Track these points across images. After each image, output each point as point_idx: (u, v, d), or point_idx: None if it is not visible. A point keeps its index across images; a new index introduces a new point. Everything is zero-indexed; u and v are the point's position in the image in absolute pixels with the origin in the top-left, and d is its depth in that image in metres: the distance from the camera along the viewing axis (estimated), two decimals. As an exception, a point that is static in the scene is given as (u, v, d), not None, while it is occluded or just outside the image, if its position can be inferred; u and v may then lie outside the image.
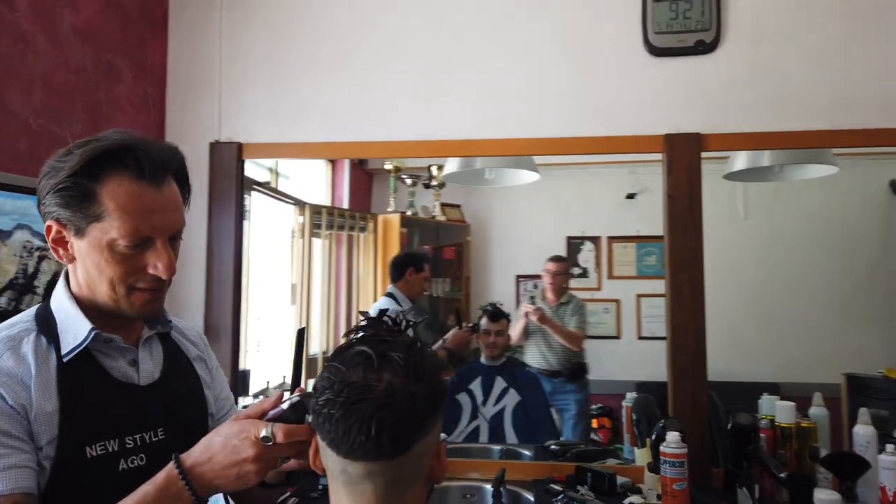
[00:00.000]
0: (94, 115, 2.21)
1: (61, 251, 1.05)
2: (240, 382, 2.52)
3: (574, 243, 4.40)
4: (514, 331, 3.62)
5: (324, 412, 0.83)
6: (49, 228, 1.04)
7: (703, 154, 2.18)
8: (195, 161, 2.46)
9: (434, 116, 2.37)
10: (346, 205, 4.11)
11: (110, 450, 1.01)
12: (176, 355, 1.19)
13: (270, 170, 3.74)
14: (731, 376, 2.92)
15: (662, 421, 2.01)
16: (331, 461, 0.86)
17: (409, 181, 4.23)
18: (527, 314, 3.66)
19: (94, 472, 0.98)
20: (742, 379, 3.12)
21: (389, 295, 3.63)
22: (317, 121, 2.44)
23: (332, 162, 4.14)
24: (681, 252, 2.15)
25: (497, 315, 3.35)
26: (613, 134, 2.26)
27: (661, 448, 1.86)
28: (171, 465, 0.94)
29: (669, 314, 2.17)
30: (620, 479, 2.07)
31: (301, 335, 2.59)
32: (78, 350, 1.03)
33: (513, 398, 3.21)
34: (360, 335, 0.90)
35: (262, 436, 0.94)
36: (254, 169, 2.98)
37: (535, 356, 3.71)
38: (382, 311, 0.94)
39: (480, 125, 2.34)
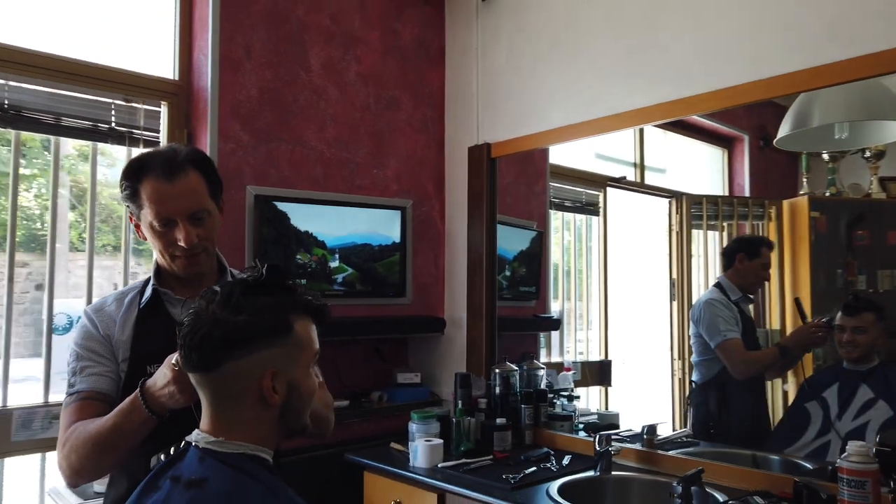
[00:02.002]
0: (378, 140, 2.80)
1: (139, 233, 1.47)
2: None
3: None
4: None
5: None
6: (130, 217, 1.48)
7: None
8: (461, 166, 2.85)
9: (682, 68, 2.19)
10: (746, 192, 3.83)
11: None
12: None
13: (635, 165, 3.82)
14: None
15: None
16: None
17: (825, 156, 3.66)
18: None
19: None
20: None
21: (717, 286, 3.34)
22: (555, 108, 2.56)
23: (728, 148, 3.91)
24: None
25: (855, 307, 2.68)
26: None
27: None
28: (138, 387, 1.26)
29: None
30: None
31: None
32: (148, 300, 1.46)
33: (881, 412, 2.53)
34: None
35: (172, 361, 1.20)
36: (608, 166, 3.11)
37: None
38: (276, 266, 1.11)
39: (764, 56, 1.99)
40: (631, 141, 3.13)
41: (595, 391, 3.03)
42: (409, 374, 2.84)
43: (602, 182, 3.03)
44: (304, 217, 2.56)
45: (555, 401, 2.68)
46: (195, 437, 1.06)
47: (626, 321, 3.15)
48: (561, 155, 2.90)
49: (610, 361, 2.98)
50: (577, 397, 2.75)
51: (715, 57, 2.09)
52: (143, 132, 2.44)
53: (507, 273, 3.02)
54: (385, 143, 2.83)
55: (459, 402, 2.46)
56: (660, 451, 2.19)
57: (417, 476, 2.10)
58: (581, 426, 2.61)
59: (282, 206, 2.52)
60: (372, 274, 2.74)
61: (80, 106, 2.33)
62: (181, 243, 1.40)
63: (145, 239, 1.47)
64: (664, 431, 2.31)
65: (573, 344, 3.22)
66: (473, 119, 2.83)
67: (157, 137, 2.47)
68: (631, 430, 2.38)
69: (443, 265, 2.98)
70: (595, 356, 3.08)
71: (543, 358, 3.04)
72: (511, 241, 3.04)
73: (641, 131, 2.90)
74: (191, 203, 1.41)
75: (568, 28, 2.52)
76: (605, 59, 2.41)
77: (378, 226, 2.75)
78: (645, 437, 2.23)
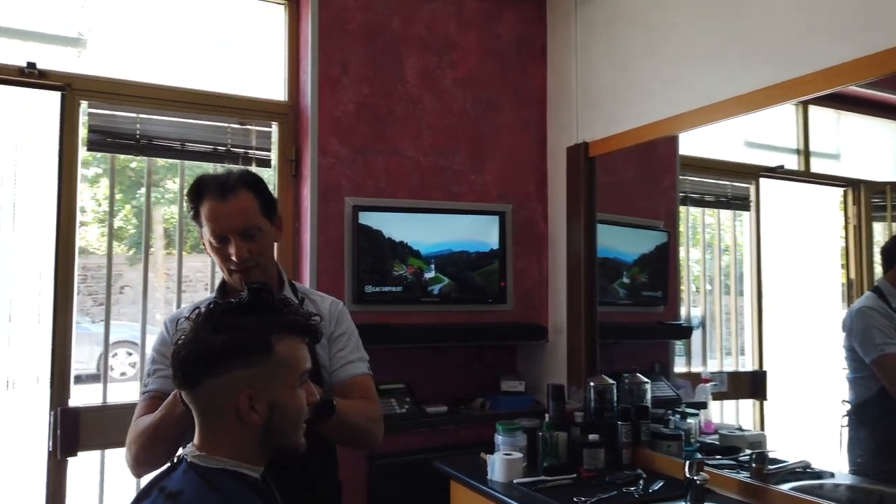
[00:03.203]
0: (475, 145, 2.78)
1: (206, 250, 1.57)
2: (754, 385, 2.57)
3: None
4: None
5: None
6: (200, 235, 1.59)
7: None
8: (563, 167, 2.73)
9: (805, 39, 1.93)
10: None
11: None
12: None
13: (797, 151, 3.39)
14: None
15: None
16: None
17: None
18: None
19: None
20: None
21: (875, 290, 2.87)
22: (653, 101, 2.36)
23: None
24: None
25: None
26: None
27: None
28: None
29: None
30: None
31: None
32: None
33: None
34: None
35: None
36: (762, 154, 2.84)
37: None
38: (259, 287, 1.14)
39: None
40: (791, 125, 2.77)
41: (746, 405, 2.74)
42: (514, 382, 2.78)
43: (753, 173, 2.71)
44: (400, 227, 2.62)
45: (668, 417, 2.47)
46: (186, 450, 1.13)
47: (784, 328, 2.80)
48: (698, 146, 2.65)
49: (765, 372, 2.67)
50: (696, 414, 2.50)
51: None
52: (256, 152, 2.65)
53: (625, 278, 2.84)
54: (483, 148, 2.79)
55: (549, 414, 2.36)
56: (770, 487, 1.92)
57: (492, 490, 2.05)
58: (696, 446, 2.38)
59: (378, 216, 2.60)
60: (469, 283, 2.72)
61: (201, 131, 2.59)
62: (233, 258, 1.51)
63: (210, 255, 1.60)
64: (820, 459, 2.02)
65: (719, 352, 2.94)
66: (573, 117, 2.70)
67: (269, 156, 2.67)
68: (745, 455, 2.12)
69: (546, 270, 2.88)
70: (746, 366, 2.79)
71: (681, 368, 2.81)
72: (631, 243, 2.85)
73: (805, 113, 2.54)
74: (242, 220, 1.51)
75: (664, 12, 2.30)
76: (706, 41, 2.16)
77: (475, 233, 2.73)
78: (753, 465, 1.97)
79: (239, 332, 1.09)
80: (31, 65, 2.29)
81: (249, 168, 2.52)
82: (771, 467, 1.97)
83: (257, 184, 1.58)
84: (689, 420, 2.44)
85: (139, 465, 1.48)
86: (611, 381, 2.39)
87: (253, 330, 1.10)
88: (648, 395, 2.44)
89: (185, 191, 1.60)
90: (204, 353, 1.08)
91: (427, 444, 2.56)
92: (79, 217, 2.39)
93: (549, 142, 2.89)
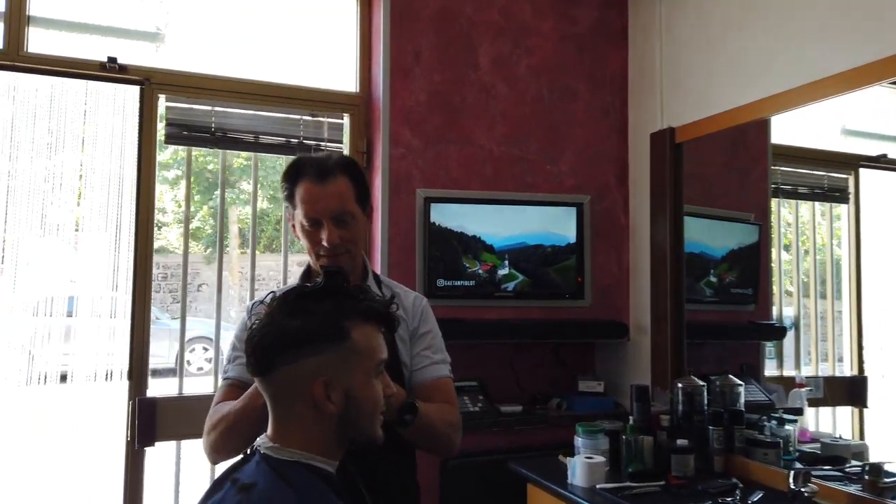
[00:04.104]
0: (551, 133, 2.66)
1: (294, 233, 1.53)
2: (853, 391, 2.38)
3: None
4: None
5: None
6: (288, 217, 1.55)
7: None
8: (645, 155, 2.58)
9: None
10: None
11: None
12: None
13: None
14: None
15: None
16: None
17: None
18: None
19: None
20: None
21: None
22: (749, 80, 2.18)
23: None
24: None
25: None
26: None
27: None
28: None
29: None
30: None
31: None
32: None
33: None
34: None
35: None
36: (862, 143, 2.63)
37: None
38: (335, 271, 1.08)
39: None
40: (894, 111, 2.54)
41: (843, 413, 2.52)
42: (592, 383, 2.65)
43: (852, 162, 2.49)
44: (472, 219, 2.53)
45: (763, 423, 2.28)
46: (259, 441, 1.07)
47: (886, 330, 2.56)
48: (790, 133, 2.45)
49: (865, 378, 2.44)
50: (794, 420, 2.30)
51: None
52: (328, 143, 2.62)
53: (712, 275, 2.66)
54: (559, 136, 2.67)
55: (634, 416, 2.21)
56: (888, 502, 1.72)
57: (572, 495, 1.93)
58: (795, 455, 2.18)
59: (449, 207, 2.52)
60: (544, 279, 2.61)
61: (274, 124, 2.58)
62: (324, 242, 1.46)
63: (299, 238, 1.55)
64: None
65: (814, 354, 2.72)
66: (657, 102, 2.54)
67: (341, 148, 2.64)
68: (854, 466, 1.93)
69: (627, 265, 2.72)
70: (844, 370, 2.57)
71: (771, 371, 2.61)
72: (718, 237, 2.67)
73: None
74: (337, 204, 1.46)
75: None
76: (806, 14, 1.98)
77: (551, 225, 2.61)
78: (866, 477, 1.77)
79: (313, 317, 1.03)
80: (113, 59, 2.33)
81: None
82: (887, 480, 1.78)
83: (355, 170, 1.53)
84: (786, 427, 2.25)
85: (216, 453, 1.44)
86: (701, 382, 2.22)
87: (328, 315, 1.04)
88: (742, 399, 2.26)
89: (283, 171, 1.56)
90: (277, 338, 1.02)
91: (501, 444, 2.46)
92: (157, 213, 2.43)
93: (630, 129, 2.74)
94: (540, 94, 2.66)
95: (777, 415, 2.30)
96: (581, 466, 1.99)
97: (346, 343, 1.04)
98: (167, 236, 9.33)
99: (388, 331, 1.13)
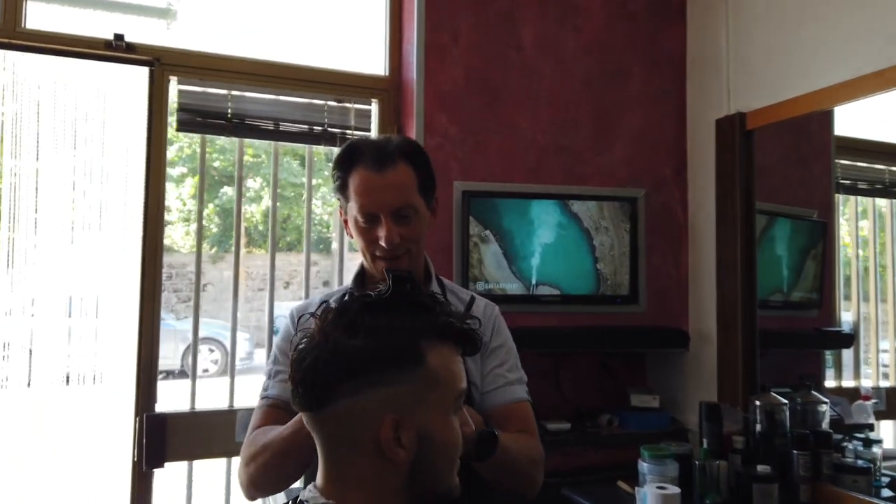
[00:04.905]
0: (601, 120, 2.41)
1: (347, 230, 1.32)
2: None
3: None
4: None
5: None
6: (340, 212, 1.33)
7: None
8: (708, 144, 2.34)
9: None
10: None
11: None
12: None
13: None
14: None
15: None
16: None
17: None
18: None
19: None
20: None
21: None
22: (834, 59, 1.93)
23: None
24: None
25: None
26: None
27: None
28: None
29: None
30: None
31: None
32: None
33: None
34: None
35: None
36: None
37: None
38: (404, 276, 0.83)
39: None
40: None
41: None
42: (646, 397, 2.39)
43: None
44: (515, 214, 2.29)
45: (845, 444, 2.03)
46: (306, 494, 0.83)
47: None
48: (853, 125, 2.21)
49: None
50: (879, 441, 2.06)
51: None
52: (355, 132, 2.38)
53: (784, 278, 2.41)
54: (610, 123, 2.42)
55: (705, 439, 1.96)
56: None
57: (645, 532, 1.68)
58: (885, 482, 1.93)
59: (489, 202, 2.27)
60: (594, 283, 2.36)
61: (295, 109, 2.35)
62: (382, 242, 1.24)
63: (351, 236, 1.33)
64: None
65: (875, 364, 2.48)
66: (723, 84, 2.28)
67: (368, 136, 2.39)
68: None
69: (685, 266, 2.47)
70: None
71: (830, 382, 2.37)
72: (782, 234, 2.43)
73: None
74: (396, 197, 1.24)
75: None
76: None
77: (602, 221, 2.36)
78: None
79: (382, 337, 0.79)
80: (119, 37, 2.09)
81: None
82: None
83: (419, 156, 1.29)
84: (873, 448, 2.00)
85: (256, 489, 1.22)
86: (783, 400, 1.97)
87: (399, 333, 0.79)
88: (827, 418, 2.00)
89: (335, 157, 1.32)
90: (334, 363, 0.78)
91: (548, 465, 2.21)
92: (165, 209, 2.19)
93: (689, 115, 2.48)
94: (588, 77, 2.40)
95: (862, 434, 2.05)
96: (653, 499, 1.73)
97: (421, 370, 0.79)
98: (170, 234, 9.14)
99: (469, 353, 0.88)
